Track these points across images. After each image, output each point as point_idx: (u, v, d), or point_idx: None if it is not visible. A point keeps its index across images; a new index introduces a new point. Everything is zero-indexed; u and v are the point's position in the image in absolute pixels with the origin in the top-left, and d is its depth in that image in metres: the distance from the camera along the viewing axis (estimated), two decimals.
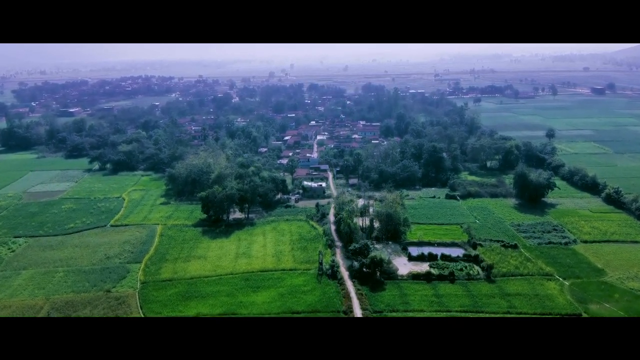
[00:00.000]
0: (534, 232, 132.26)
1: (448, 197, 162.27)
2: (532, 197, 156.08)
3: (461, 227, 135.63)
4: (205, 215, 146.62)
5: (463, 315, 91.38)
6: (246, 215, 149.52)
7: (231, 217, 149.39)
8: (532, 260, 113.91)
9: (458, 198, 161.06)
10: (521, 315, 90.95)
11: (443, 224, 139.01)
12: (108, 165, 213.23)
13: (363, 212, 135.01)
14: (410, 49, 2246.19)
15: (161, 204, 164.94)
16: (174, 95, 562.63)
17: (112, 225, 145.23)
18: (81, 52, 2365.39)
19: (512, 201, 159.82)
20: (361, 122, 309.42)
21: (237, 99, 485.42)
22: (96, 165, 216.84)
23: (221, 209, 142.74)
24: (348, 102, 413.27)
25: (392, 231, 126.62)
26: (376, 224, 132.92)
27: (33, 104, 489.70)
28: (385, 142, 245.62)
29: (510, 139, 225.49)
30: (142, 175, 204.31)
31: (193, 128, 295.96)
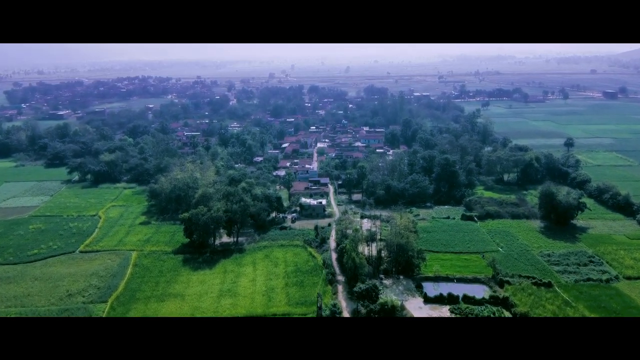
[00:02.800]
0: (567, 264, 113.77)
1: (464, 217, 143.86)
2: (559, 220, 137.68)
3: (483, 257, 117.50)
4: (188, 240, 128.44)
5: None
6: (235, 239, 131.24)
7: (218, 240, 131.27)
8: (571, 304, 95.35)
9: (476, 219, 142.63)
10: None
11: (461, 253, 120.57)
12: (88, 176, 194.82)
13: (369, 239, 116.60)
14: (412, 50, 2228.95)
15: (141, 223, 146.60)
16: (170, 97, 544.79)
17: (81, 252, 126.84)
18: (81, 52, 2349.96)
19: (537, 223, 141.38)
20: (364, 128, 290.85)
21: (235, 101, 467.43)
22: (76, 176, 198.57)
23: (206, 232, 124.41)
24: (350, 106, 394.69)
25: (404, 264, 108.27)
26: (384, 252, 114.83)
27: (23, 105, 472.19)
28: (390, 151, 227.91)
29: (526, 149, 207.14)
30: (125, 188, 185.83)
31: (185, 133, 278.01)
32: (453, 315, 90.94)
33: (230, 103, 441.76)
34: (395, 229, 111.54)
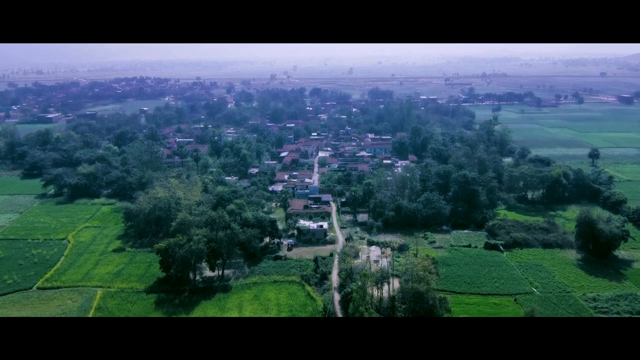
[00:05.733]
0: (618, 312, 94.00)
1: (488, 246, 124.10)
2: (599, 251, 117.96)
3: (515, 300, 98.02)
4: (164, 274, 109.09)
5: None
6: (220, 273, 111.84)
7: (200, 275, 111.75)
8: None
9: (501, 248, 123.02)
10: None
11: (489, 295, 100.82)
12: (65, 190, 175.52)
13: (380, 279, 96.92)
14: (415, 51, 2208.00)
15: (114, 250, 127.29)
16: (167, 98, 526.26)
17: (39, 288, 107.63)
18: (82, 52, 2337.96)
19: (572, 254, 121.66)
20: (369, 136, 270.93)
21: (233, 103, 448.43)
22: (51, 190, 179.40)
23: (184, 267, 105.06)
24: (354, 110, 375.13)
25: (423, 313, 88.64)
26: (398, 295, 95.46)
27: (14, 107, 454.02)
28: (399, 163, 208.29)
29: (548, 162, 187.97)
30: (103, 204, 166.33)
31: (177, 140, 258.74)
32: None
33: (229, 106, 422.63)
34: (412, 269, 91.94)
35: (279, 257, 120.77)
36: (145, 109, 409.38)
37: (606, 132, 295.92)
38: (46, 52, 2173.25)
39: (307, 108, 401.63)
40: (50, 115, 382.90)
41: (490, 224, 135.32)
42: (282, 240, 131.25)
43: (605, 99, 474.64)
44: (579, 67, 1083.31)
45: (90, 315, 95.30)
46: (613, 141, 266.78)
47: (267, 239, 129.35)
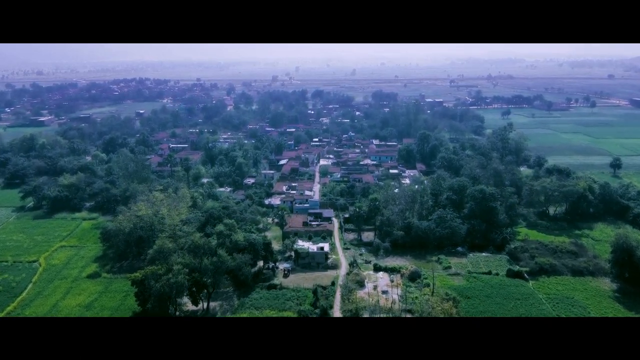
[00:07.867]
0: None
1: (510, 273, 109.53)
2: (638, 281, 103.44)
3: None
4: (141, 308, 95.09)
5: None
6: (204, 307, 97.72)
7: (182, 309, 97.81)
8: None
9: (526, 276, 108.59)
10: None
11: None
12: (44, 203, 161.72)
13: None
14: (419, 52, 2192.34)
15: (89, 276, 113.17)
16: (165, 100, 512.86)
17: None
18: (83, 52, 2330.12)
19: (607, 283, 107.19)
20: (374, 142, 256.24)
21: (232, 106, 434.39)
22: (31, 203, 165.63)
23: (162, 301, 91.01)
24: (357, 113, 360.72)
25: None
26: None
27: (8, 110, 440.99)
28: (406, 172, 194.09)
29: (568, 172, 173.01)
30: (84, 219, 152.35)
31: (170, 146, 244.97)
32: None
33: (228, 109, 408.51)
34: (429, 312, 77.60)
35: (274, 286, 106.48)
36: (141, 111, 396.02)
37: (623, 138, 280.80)
38: (46, 52, 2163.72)
39: (309, 111, 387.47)
40: (42, 119, 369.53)
41: (512, 246, 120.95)
42: (277, 264, 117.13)
43: (617, 102, 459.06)
44: (585, 69, 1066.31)
45: None
46: (631, 148, 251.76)
47: (260, 263, 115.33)
